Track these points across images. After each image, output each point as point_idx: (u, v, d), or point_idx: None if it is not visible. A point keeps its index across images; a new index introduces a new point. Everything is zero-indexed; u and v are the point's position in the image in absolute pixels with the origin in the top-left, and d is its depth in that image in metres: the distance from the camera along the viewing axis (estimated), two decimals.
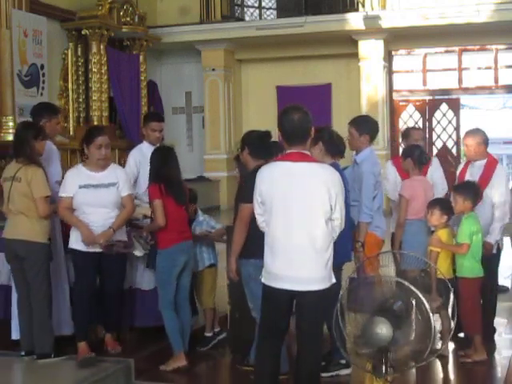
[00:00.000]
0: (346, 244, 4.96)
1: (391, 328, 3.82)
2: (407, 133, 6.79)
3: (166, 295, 5.21)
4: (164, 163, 5.28)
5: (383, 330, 3.82)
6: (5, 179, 5.19)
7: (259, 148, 5.00)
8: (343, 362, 5.01)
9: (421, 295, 3.93)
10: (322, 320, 4.15)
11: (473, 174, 5.79)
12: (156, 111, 6.52)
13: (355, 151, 5.60)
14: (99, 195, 5.19)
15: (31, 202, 5.05)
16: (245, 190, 4.85)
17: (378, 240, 5.46)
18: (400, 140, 7.14)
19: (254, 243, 4.76)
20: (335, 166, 4.75)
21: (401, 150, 6.47)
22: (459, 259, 5.33)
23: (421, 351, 3.97)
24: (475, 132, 5.89)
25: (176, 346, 5.21)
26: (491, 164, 5.79)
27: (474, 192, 5.42)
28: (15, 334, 5.40)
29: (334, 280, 4.08)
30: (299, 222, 3.97)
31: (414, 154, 5.80)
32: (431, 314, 3.90)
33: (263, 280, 4.12)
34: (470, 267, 5.31)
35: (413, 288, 3.92)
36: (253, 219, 4.74)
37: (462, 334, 5.58)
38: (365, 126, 5.56)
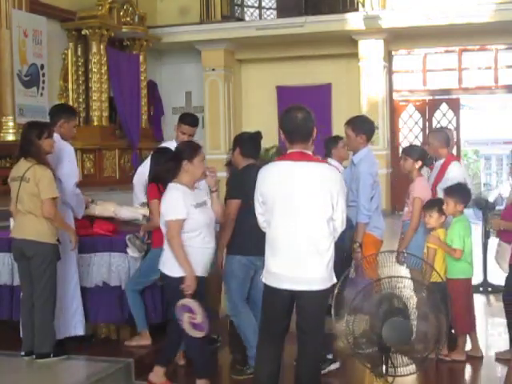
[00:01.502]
0: None
1: (410, 326, 3.84)
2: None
3: (136, 283, 5.46)
4: (161, 164, 5.32)
5: (403, 329, 3.83)
6: (12, 179, 5.19)
7: (250, 148, 5.14)
8: (330, 356, 5.01)
9: (438, 296, 3.95)
10: (323, 320, 4.15)
11: (433, 174, 5.88)
12: (192, 114, 6.14)
13: (352, 152, 5.59)
14: (208, 213, 4.74)
15: (40, 202, 5.06)
16: (231, 186, 4.98)
17: (376, 240, 5.45)
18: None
19: (241, 240, 4.89)
20: None
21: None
22: (451, 261, 5.33)
23: (424, 351, 3.98)
24: (439, 131, 6.03)
25: (141, 325, 5.52)
26: (447, 162, 5.91)
27: (465, 194, 5.42)
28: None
29: (334, 280, 4.08)
30: (300, 221, 3.97)
31: (421, 155, 5.76)
32: (445, 316, 3.92)
33: (264, 280, 4.12)
34: (461, 268, 5.33)
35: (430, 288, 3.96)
36: (241, 216, 4.85)
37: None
38: (361, 126, 5.54)
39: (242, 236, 4.89)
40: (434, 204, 5.43)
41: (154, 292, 5.62)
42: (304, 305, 4.03)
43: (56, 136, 5.38)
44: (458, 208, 5.35)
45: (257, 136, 5.22)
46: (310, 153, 4.07)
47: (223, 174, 15.66)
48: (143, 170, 6.18)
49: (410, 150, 5.86)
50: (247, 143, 5.15)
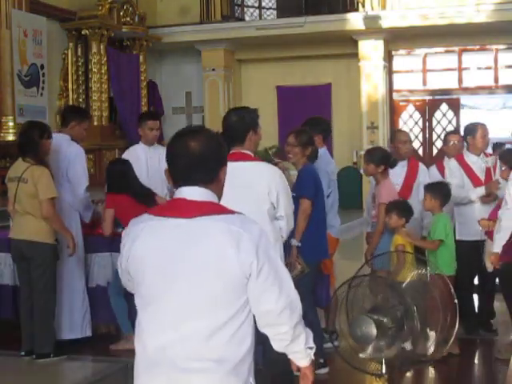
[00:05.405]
0: (323, 241, 5.01)
1: (375, 328, 3.88)
2: (475, 128, 6.13)
3: (117, 282, 5.27)
4: (123, 176, 5.47)
5: (368, 329, 3.88)
6: (10, 179, 5.18)
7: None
8: (321, 360, 4.99)
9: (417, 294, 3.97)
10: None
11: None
12: (150, 110, 6.45)
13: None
14: None
15: (38, 203, 5.05)
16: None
17: (332, 239, 5.47)
18: (462, 135, 6.26)
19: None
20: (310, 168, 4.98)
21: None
22: (433, 257, 5.30)
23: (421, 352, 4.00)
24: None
25: (125, 328, 5.39)
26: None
27: (442, 191, 5.43)
28: None
29: None
30: None
31: (382, 158, 5.65)
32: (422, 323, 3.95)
33: None
34: (447, 264, 5.30)
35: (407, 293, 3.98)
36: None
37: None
38: (317, 126, 5.63)
39: None
40: (393, 207, 5.36)
41: None
42: None
43: (66, 137, 5.41)
44: (434, 203, 5.35)
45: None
46: (248, 152, 4.17)
47: None
48: None
49: (371, 155, 5.60)
50: None
